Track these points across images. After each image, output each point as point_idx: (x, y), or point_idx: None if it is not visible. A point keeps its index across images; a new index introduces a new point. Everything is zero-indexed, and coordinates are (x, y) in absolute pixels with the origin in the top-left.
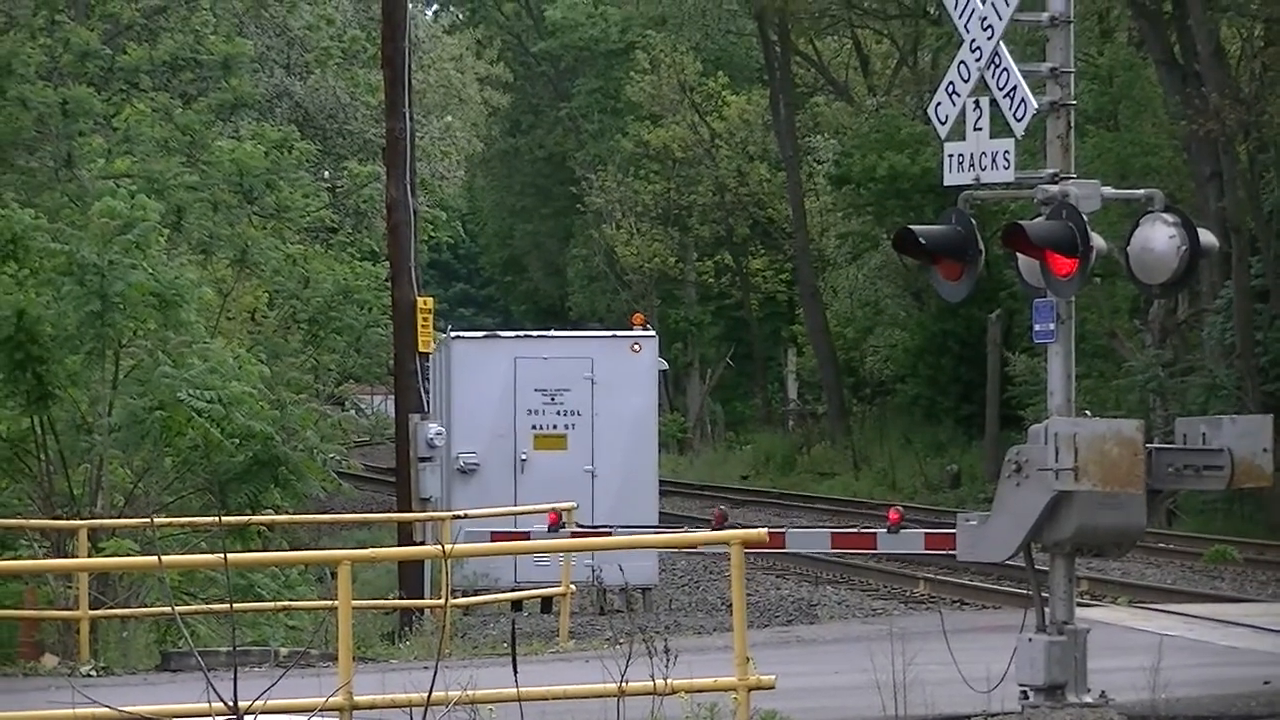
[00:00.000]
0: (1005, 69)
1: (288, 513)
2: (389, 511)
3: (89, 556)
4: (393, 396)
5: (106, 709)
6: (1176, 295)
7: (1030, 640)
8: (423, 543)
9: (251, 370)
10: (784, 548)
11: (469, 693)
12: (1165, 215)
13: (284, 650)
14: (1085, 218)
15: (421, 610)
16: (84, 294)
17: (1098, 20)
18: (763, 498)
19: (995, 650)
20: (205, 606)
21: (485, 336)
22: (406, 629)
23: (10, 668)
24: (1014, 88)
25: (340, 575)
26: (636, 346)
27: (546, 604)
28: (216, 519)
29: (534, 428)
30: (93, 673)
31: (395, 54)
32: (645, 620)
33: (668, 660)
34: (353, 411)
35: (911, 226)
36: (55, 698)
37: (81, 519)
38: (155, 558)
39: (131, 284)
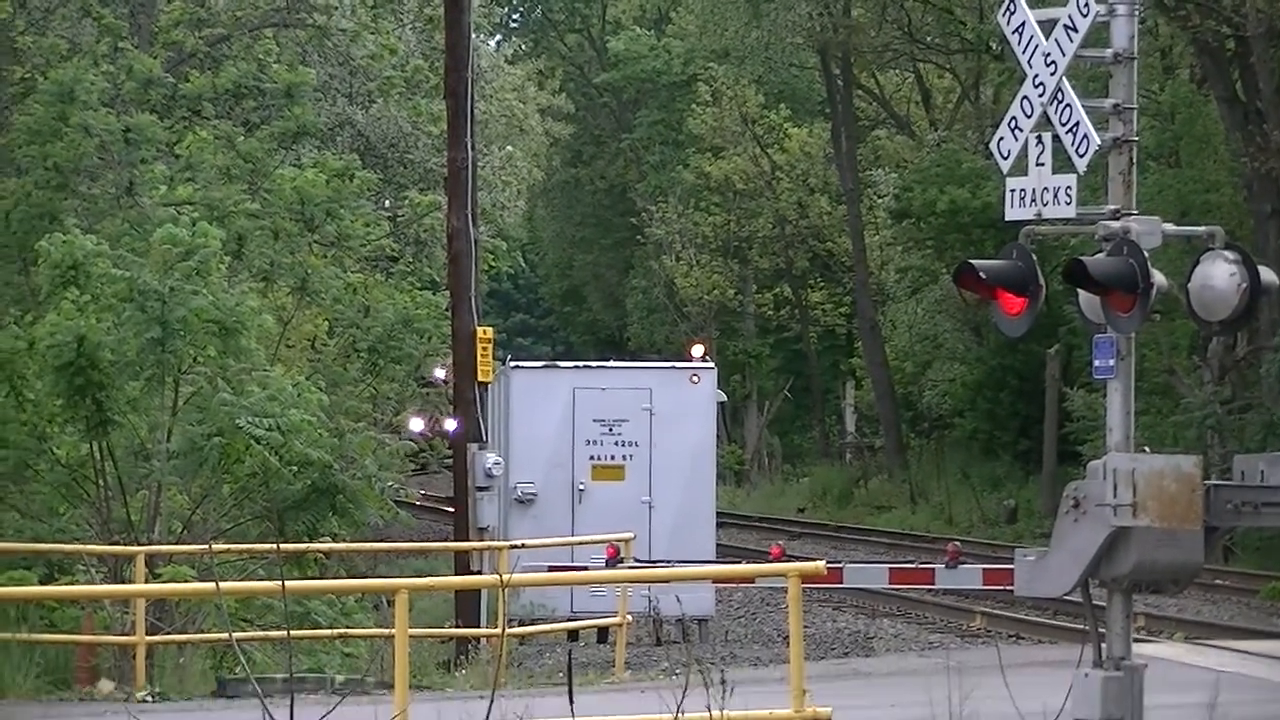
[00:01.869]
0: (1068, 105)
1: (345, 541)
2: (446, 541)
3: (146, 583)
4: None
5: None
6: (1236, 333)
7: (1087, 676)
8: (480, 572)
9: (310, 398)
10: (842, 583)
11: None
12: (1226, 253)
13: (340, 678)
14: (1146, 254)
15: (478, 640)
16: (145, 320)
17: (1160, 57)
18: (819, 530)
19: (1052, 685)
20: (262, 634)
21: (544, 367)
22: (462, 658)
23: (67, 693)
24: (1077, 123)
25: (397, 604)
26: (695, 378)
27: (603, 634)
28: (274, 546)
29: (592, 458)
30: (149, 699)
31: (458, 84)
32: (701, 651)
33: (724, 692)
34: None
35: (972, 261)
36: None
37: (139, 545)
38: (213, 584)
39: (192, 310)
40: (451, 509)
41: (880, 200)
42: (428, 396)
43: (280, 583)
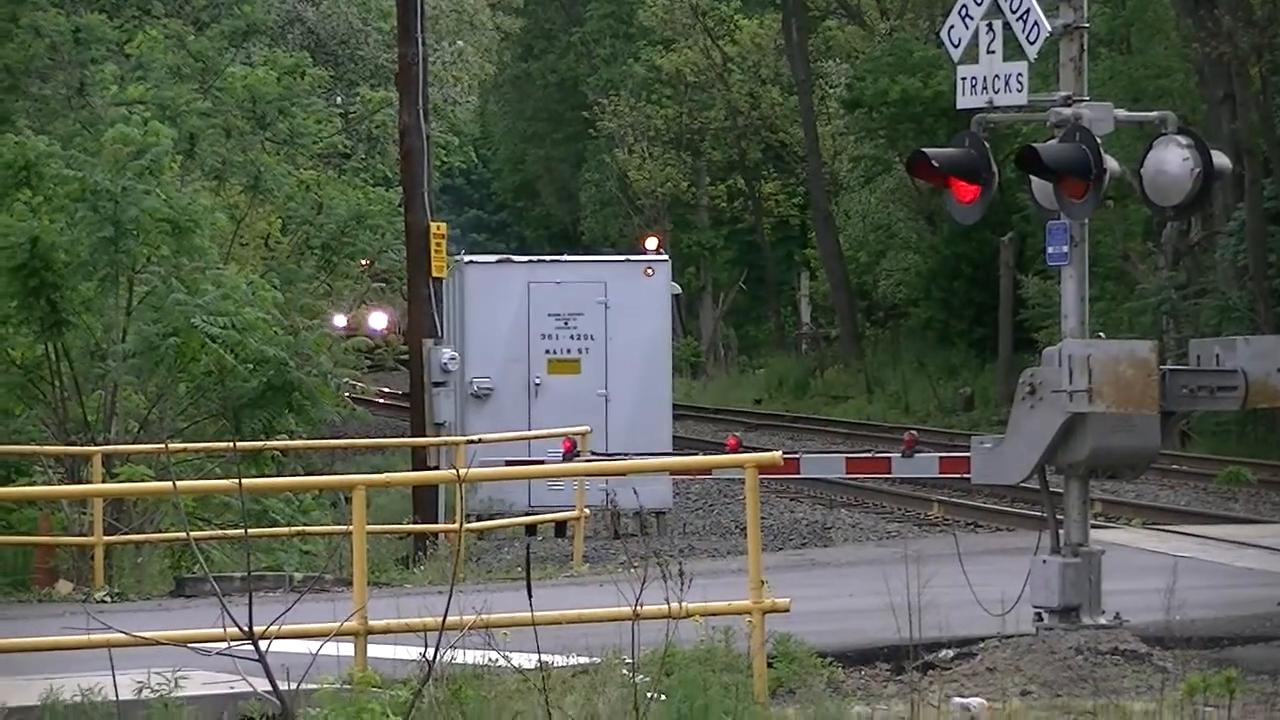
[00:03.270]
0: None
1: (302, 438)
2: (403, 437)
3: (103, 482)
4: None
5: (121, 634)
6: (1189, 218)
7: (1045, 562)
8: (437, 467)
9: (265, 296)
10: (799, 473)
11: (484, 617)
12: (1179, 137)
13: (298, 575)
14: (1098, 140)
15: (436, 535)
16: (98, 220)
17: None
18: (776, 421)
19: (1009, 573)
20: (220, 532)
21: (498, 261)
22: (421, 554)
23: (25, 594)
24: (1027, 10)
25: (355, 500)
26: (649, 271)
27: (560, 528)
28: (231, 444)
29: (547, 352)
30: (107, 599)
31: None
32: (659, 544)
33: (682, 584)
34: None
35: (925, 149)
36: (70, 623)
37: (96, 445)
38: (170, 483)
39: (145, 210)
40: (408, 405)
41: (832, 91)
42: (382, 292)
43: (237, 481)
